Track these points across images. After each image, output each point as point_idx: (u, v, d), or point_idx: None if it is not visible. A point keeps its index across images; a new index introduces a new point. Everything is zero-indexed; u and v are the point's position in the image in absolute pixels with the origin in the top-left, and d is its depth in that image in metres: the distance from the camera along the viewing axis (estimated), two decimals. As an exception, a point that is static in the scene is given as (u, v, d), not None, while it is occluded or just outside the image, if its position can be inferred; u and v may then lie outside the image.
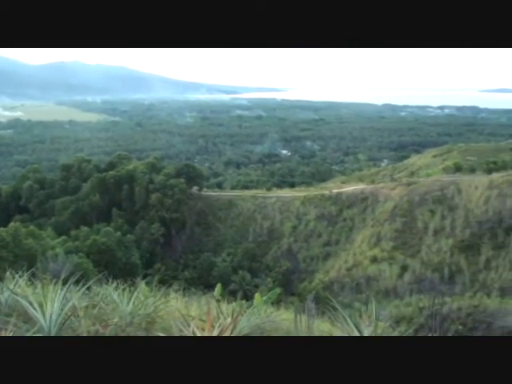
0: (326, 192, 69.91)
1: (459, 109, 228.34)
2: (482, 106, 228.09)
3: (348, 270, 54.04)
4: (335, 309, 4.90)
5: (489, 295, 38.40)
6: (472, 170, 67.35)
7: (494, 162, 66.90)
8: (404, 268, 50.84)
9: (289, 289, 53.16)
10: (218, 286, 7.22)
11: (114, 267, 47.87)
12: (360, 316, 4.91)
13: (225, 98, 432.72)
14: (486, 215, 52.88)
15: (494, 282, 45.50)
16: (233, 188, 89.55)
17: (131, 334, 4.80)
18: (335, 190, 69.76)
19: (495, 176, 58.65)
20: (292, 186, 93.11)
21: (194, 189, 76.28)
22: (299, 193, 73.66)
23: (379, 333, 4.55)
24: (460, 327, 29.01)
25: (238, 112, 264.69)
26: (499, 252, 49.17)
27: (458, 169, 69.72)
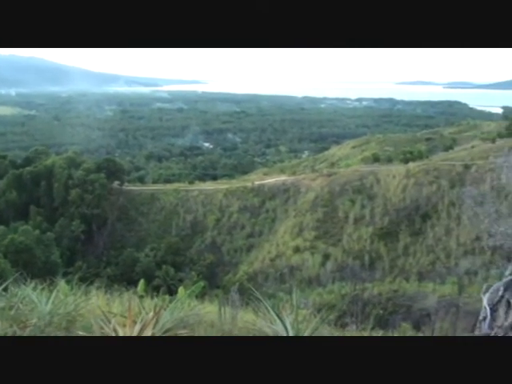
0: (249, 184, 70.23)
1: (376, 101, 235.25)
2: (398, 97, 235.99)
3: (271, 260, 54.65)
4: (259, 300, 4.99)
5: (407, 280, 39.86)
6: (389, 160, 69.61)
7: (411, 152, 69.38)
8: (326, 257, 51.98)
9: (213, 282, 53.13)
10: (141, 282, 7.05)
11: (33, 266, 46.07)
12: (282, 305, 5.02)
13: (145, 90, 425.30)
14: (404, 203, 54.88)
15: (412, 267, 47.37)
16: (154, 182, 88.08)
17: (51, 334, 4.60)
18: (257, 182, 70.20)
19: (412, 165, 60.85)
20: (214, 178, 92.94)
21: (115, 184, 74.46)
22: (222, 185, 73.60)
23: (300, 320, 4.62)
24: (381, 311, 29.96)
25: (159, 105, 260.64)
26: (416, 238, 51.20)
27: (376, 159, 71.87)
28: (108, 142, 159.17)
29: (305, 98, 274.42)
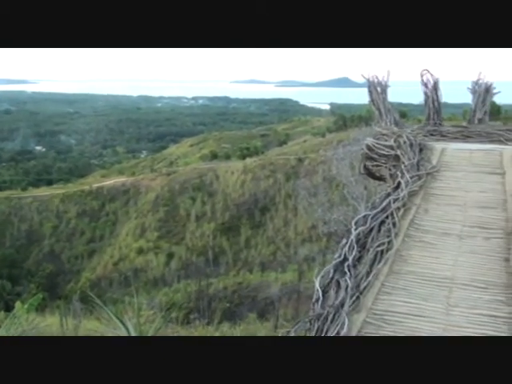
0: (86, 187, 67.58)
1: (212, 99, 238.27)
2: (233, 96, 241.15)
3: (115, 264, 53.18)
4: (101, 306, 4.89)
5: (251, 271, 41.02)
6: (227, 157, 71.01)
7: (247, 148, 71.43)
8: (170, 256, 51.77)
9: (55, 292, 50.34)
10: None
11: None
12: (125, 309, 4.99)
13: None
14: (243, 198, 56.36)
15: (255, 258, 48.83)
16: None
17: None
18: (95, 185, 67.79)
19: (249, 161, 62.62)
20: (49, 183, 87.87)
21: None
22: (58, 190, 69.90)
23: (144, 321, 4.60)
24: (227, 304, 30.51)
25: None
26: (257, 231, 52.88)
27: (214, 156, 72.96)
28: None
29: (140, 97, 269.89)
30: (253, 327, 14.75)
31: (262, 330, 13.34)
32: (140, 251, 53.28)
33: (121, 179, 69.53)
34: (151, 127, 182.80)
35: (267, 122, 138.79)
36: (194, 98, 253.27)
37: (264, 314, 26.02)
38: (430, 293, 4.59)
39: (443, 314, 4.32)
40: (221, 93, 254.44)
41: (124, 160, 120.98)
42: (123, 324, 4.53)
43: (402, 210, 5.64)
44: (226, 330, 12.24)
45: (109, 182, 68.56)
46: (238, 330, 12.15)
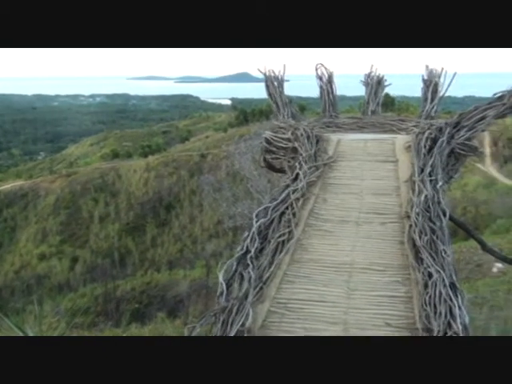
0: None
1: (110, 96, 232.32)
2: (132, 93, 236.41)
3: (16, 272, 50.70)
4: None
5: (159, 270, 40.57)
6: (129, 155, 69.72)
7: (149, 146, 70.43)
8: (74, 260, 50.14)
9: (-50, 306, 47.37)
10: None
11: None
12: (25, 318, 4.86)
13: None
14: (147, 196, 55.56)
15: (162, 257, 48.30)
16: None
17: None
18: (-10, 190, 64.36)
19: (151, 158, 61.81)
20: None
21: None
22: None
23: (44, 330, 4.48)
24: (136, 305, 30.05)
25: None
26: (163, 229, 52.33)
27: (115, 155, 71.35)
28: None
29: (35, 96, 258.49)
30: (161, 326, 14.64)
31: (171, 328, 13.26)
32: (42, 257, 51.16)
33: (18, 183, 66.28)
34: (48, 127, 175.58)
35: (168, 119, 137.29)
36: (92, 96, 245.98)
37: (174, 313, 25.86)
38: (330, 278, 4.75)
39: (344, 298, 4.48)
40: (119, 90, 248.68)
41: (21, 163, 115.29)
42: (24, 333, 4.38)
43: (301, 201, 5.76)
44: (134, 331, 12.05)
45: (5, 187, 65.17)
46: (146, 330, 12.01)
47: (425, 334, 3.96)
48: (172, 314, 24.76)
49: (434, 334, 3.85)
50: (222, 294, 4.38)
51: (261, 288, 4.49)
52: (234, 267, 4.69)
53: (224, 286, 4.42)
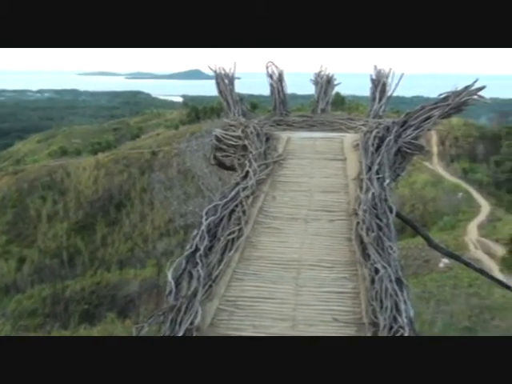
0: None
1: (59, 92, 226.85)
2: (81, 88, 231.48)
3: (-40, 274, 49.12)
4: None
5: (109, 270, 39.97)
6: (78, 153, 68.28)
7: (99, 143, 69.15)
8: (22, 260, 48.74)
9: None
10: None
11: None
12: None
13: None
14: (97, 194, 54.56)
15: (112, 256, 47.51)
16: None
17: None
18: None
19: (101, 156, 60.69)
20: None
21: None
22: None
23: None
24: (86, 306, 29.54)
25: None
26: (113, 228, 51.50)
27: (64, 152, 69.72)
28: None
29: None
30: (111, 327, 14.45)
31: (121, 329, 13.10)
32: (-13, 258, 49.61)
33: (-39, 181, 64.18)
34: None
35: (119, 116, 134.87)
36: (40, 91, 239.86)
37: (124, 313, 25.57)
38: (279, 275, 4.79)
39: (292, 295, 4.53)
40: (68, 85, 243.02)
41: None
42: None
43: (251, 198, 5.79)
44: (83, 332, 11.81)
45: None
46: (95, 331, 11.79)
47: (371, 329, 4.04)
48: (122, 314, 24.47)
49: (380, 329, 3.93)
50: (170, 292, 4.37)
51: (210, 286, 4.50)
52: (183, 266, 4.67)
53: (173, 284, 4.40)
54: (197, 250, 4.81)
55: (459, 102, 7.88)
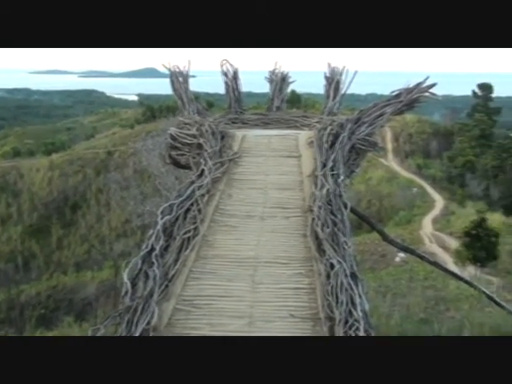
0: None
1: (10, 91, 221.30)
2: (34, 87, 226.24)
3: None
4: None
5: (65, 273, 39.26)
6: (31, 153, 66.80)
7: (52, 143, 67.83)
8: (-26, 265, 47.57)
9: None
10: None
11: None
12: None
13: None
14: (52, 196, 53.50)
15: (69, 259, 46.69)
16: None
17: None
18: None
19: (55, 156, 59.54)
20: None
21: None
22: None
23: None
24: (42, 311, 28.94)
25: None
26: (69, 230, 50.61)
27: (16, 153, 68.07)
28: None
29: None
30: (68, 331, 14.17)
31: (78, 333, 12.87)
32: None
33: None
34: None
35: (72, 115, 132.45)
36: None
37: (82, 316, 25.18)
38: (235, 273, 4.80)
39: (249, 292, 4.54)
40: (20, 84, 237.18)
41: None
42: None
43: (206, 197, 5.78)
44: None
45: None
46: (52, 335, 11.56)
47: (327, 323, 4.09)
48: (80, 318, 24.09)
49: (336, 323, 3.98)
50: (126, 293, 4.33)
51: (166, 286, 4.48)
52: (138, 266, 4.64)
53: (129, 285, 4.37)
54: (152, 249, 4.78)
55: (411, 99, 8.03)
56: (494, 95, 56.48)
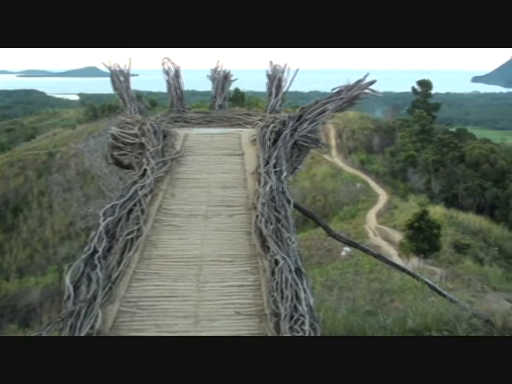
0: None
1: None
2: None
3: None
4: None
5: (8, 279, 38.14)
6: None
7: (-9, 145, 65.86)
8: None
9: None
10: None
11: None
12: None
13: None
14: (-9, 200, 51.96)
15: (11, 264, 45.34)
16: None
17: None
18: None
19: (-7, 159, 57.88)
20: None
21: None
22: None
23: None
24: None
25: None
26: (10, 234, 49.17)
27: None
28: None
29: None
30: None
31: (22, 338, 12.55)
32: None
33: None
34: None
35: (11, 116, 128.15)
36: None
37: (26, 322, 24.55)
38: (180, 273, 4.77)
39: (194, 291, 4.53)
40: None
41: None
42: None
43: (149, 197, 5.72)
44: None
45: None
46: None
47: (273, 319, 4.12)
48: (24, 325, 23.49)
49: (282, 318, 4.01)
50: (69, 297, 4.23)
51: (110, 288, 4.41)
52: (81, 269, 4.54)
53: (71, 288, 4.27)
54: (95, 251, 4.69)
55: (352, 96, 8.17)
56: (433, 92, 58.19)
